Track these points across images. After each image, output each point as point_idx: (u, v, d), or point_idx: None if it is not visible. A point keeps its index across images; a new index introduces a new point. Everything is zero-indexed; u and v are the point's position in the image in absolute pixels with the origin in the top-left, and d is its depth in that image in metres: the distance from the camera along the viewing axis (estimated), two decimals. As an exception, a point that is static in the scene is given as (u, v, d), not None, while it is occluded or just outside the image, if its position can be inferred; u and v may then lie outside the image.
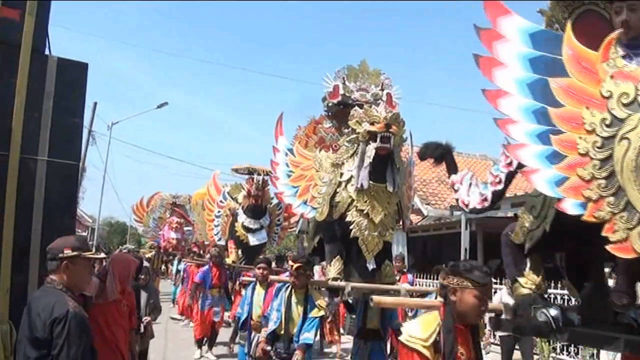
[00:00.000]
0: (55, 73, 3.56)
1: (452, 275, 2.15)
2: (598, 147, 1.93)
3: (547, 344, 7.57)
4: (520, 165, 2.71)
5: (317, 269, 5.99)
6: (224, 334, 8.82)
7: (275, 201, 9.22)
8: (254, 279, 5.72)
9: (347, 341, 8.17)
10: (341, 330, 9.06)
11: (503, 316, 2.76)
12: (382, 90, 5.82)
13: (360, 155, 4.79)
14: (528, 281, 2.63)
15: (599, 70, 2.03)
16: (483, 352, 2.36)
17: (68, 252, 2.52)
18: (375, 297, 2.51)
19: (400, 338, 2.16)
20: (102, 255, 3.23)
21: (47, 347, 2.33)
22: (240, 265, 8.64)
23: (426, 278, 10.51)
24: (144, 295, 5.19)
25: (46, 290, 2.52)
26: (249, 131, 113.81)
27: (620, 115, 1.91)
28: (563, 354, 7.59)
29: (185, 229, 16.07)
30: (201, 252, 13.08)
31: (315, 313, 4.35)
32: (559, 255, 2.91)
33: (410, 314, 6.51)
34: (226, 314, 9.06)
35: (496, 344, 7.65)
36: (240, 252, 9.15)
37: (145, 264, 5.87)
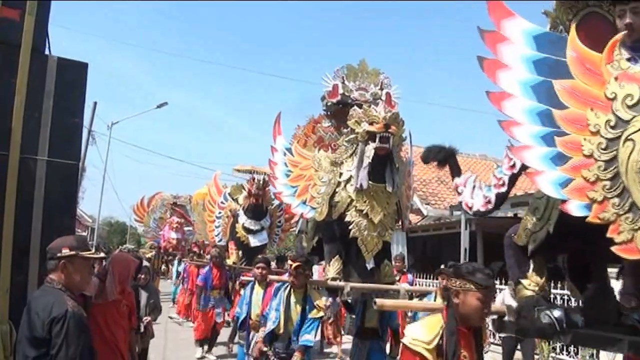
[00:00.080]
0: (55, 73, 3.54)
1: (455, 278, 2.15)
2: (602, 149, 1.93)
3: (547, 343, 7.57)
4: (523, 167, 2.71)
5: (316, 268, 5.98)
6: (224, 334, 8.82)
7: (276, 202, 9.20)
8: (253, 279, 5.70)
9: (348, 341, 8.16)
10: (342, 331, 9.05)
11: (506, 318, 2.76)
12: (382, 89, 5.80)
13: (360, 155, 4.77)
14: (531, 283, 2.63)
15: (604, 72, 2.03)
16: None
17: (66, 252, 2.53)
18: (379, 300, 2.50)
19: (403, 340, 2.15)
20: (101, 255, 3.22)
21: (46, 346, 2.33)
22: (241, 266, 8.63)
23: (426, 278, 10.52)
24: (144, 295, 5.18)
25: (45, 289, 2.52)
26: (249, 131, 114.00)
27: (624, 117, 1.91)
28: (563, 354, 7.58)
29: (186, 229, 16.06)
30: (201, 252, 13.07)
31: (314, 314, 4.33)
32: (561, 257, 2.91)
33: (409, 314, 6.50)
34: (226, 314, 9.06)
35: (496, 344, 7.65)
36: (240, 253, 9.13)
37: (146, 263, 5.86)
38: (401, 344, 2.21)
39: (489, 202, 3.08)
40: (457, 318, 2.11)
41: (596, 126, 1.96)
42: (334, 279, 4.96)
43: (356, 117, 4.85)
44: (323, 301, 4.62)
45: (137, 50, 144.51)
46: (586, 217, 1.94)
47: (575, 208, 1.97)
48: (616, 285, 2.69)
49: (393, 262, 6.55)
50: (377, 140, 4.65)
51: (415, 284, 9.06)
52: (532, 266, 2.68)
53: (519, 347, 6.76)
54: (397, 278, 6.97)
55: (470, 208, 3.21)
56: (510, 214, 8.78)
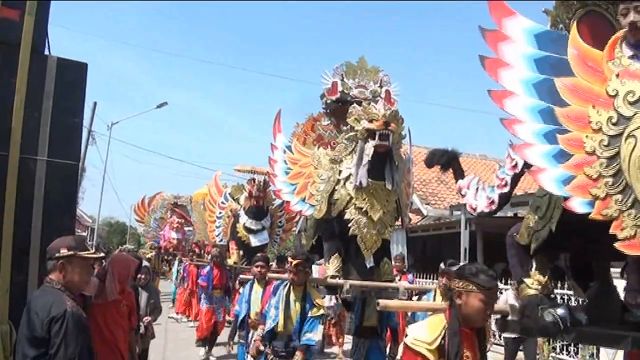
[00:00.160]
0: (55, 73, 3.53)
1: (458, 279, 2.14)
2: (605, 146, 1.94)
3: (547, 343, 7.56)
4: (525, 166, 2.72)
5: (316, 268, 5.96)
6: (224, 334, 8.81)
7: (277, 202, 9.20)
8: (252, 277, 5.68)
9: (348, 342, 8.15)
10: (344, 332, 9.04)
11: (510, 317, 2.76)
12: (381, 87, 5.79)
13: (359, 152, 4.76)
14: (534, 282, 2.64)
15: (605, 69, 2.04)
16: None
17: (64, 252, 2.54)
18: (382, 301, 2.49)
19: (406, 340, 2.14)
20: (99, 254, 3.21)
21: (45, 346, 2.33)
22: (242, 266, 8.62)
23: (426, 278, 10.52)
24: (144, 295, 5.17)
25: (45, 289, 2.53)
26: (249, 131, 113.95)
27: (626, 114, 1.92)
28: (563, 354, 7.58)
29: (186, 229, 16.05)
30: (201, 252, 13.07)
31: (314, 312, 4.30)
32: (563, 256, 2.91)
33: (408, 313, 6.49)
34: (226, 315, 9.06)
35: (497, 344, 7.64)
36: (241, 253, 9.14)
37: (146, 263, 5.85)
38: (403, 344, 2.20)
39: (492, 202, 3.10)
40: (460, 319, 2.10)
41: (598, 123, 1.97)
42: (333, 276, 4.94)
43: (355, 115, 4.84)
44: (322, 300, 4.61)
45: (137, 50, 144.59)
46: (589, 214, 1.95)
47: (578, 205, 1.97)
48: (619, 283, 2.69)
49: (393, 262, 6.55)
50: (376, 137, 4.63)
51: (415, 284, 9.05)
52: (534, 265, 2.69)
53: (521, 347, 6.74)
54: (397, 278, 6.96)
55: (475, 209, 3.24)
56: (510, 214, 8.78)
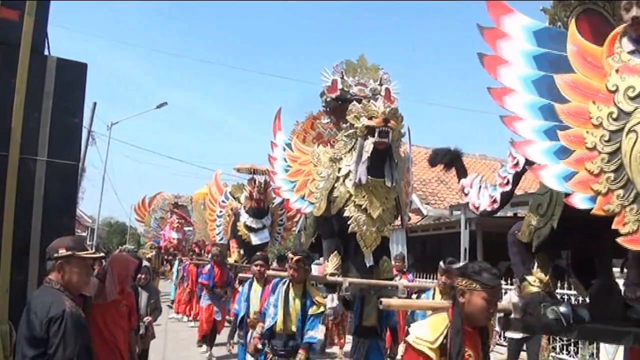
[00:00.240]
0: (55, 73, 3.53)
1: (461, 277, 2.13)
2: (605, 141, 1.94)
3: (547, 342, 7.55)
4: (527, 164, 2.72)
5: (315, 268, 5.95)
6: (224, 334, 8.80)
7: (277, 201, 9.20)
8: (251, 276, 5.67)
9: (350, 342, 8.15)
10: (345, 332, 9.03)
11: (512, 315, 2.75)
12: (381, 85, 5.79)
13: (359, 150, 4.74)
14: (536, 279, 2.64)
15: (604, 64, 2.04)
16: None
17: (63, 252, 2.54)
18: (385, 300, 2.48)
19: (408, 339, 2.13)
20: (97, 254, 3.21)
21: (44, 346, 2.33)
22: (242, 265, 8.62)
23: (426, 278, 10.51)
24: (144, 296, 5.16)
25: (44, 289, 2.53)
26: (249, 131, 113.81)
27: (626, 109, 1.92)
28: (563, 354, 7.56)
29: (186, 229, 16.04)
30: (201, 251, 13.06)
31: (314, 310, 4.27)
32: (565, 253, 2.92)
33: (408, 312, 6.48)
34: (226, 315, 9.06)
35: (500, 345, 7.63)
36: (242, 251, 9.14)
37: (146, 263, 5.84)
38: (405, 343, 2.19)
39: (494, 201, 3.11)
40: (463, 317, 2.09)
41: (598, 119, 1.97)
42: (332, 274, 4.92)
43: (355, 112, 4.83)
44: (322, 298, 4.59)
45: (137, 50, 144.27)
46: (590, 209, 1.94)
47: (579, 201, 1.97)
48: (619, 281, 2.69)
49: (393, 262, 6.53)
50: (376, 134, 4.62)
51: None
52: (536, 263, 2.68)
53: (524, 348, 6.71)
54: (397, 278, 6.93)
55: (477, 208, 3.26)
56: (510, 214, 8.78)
